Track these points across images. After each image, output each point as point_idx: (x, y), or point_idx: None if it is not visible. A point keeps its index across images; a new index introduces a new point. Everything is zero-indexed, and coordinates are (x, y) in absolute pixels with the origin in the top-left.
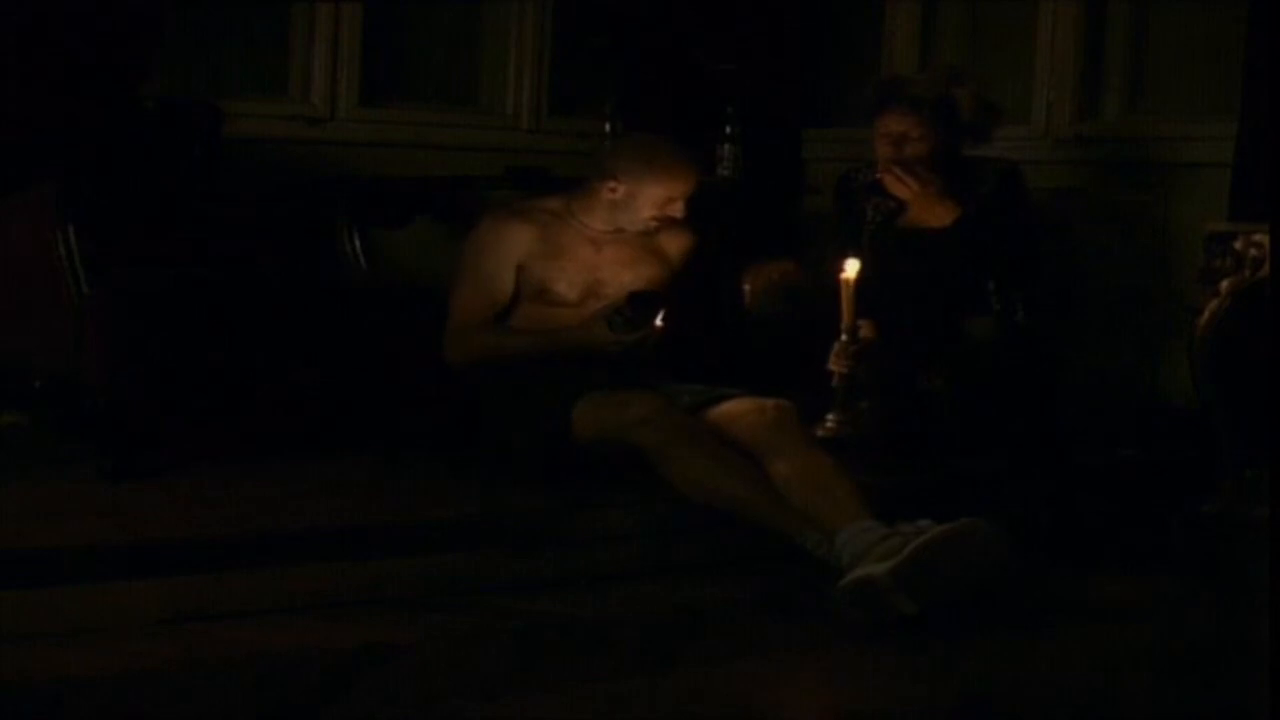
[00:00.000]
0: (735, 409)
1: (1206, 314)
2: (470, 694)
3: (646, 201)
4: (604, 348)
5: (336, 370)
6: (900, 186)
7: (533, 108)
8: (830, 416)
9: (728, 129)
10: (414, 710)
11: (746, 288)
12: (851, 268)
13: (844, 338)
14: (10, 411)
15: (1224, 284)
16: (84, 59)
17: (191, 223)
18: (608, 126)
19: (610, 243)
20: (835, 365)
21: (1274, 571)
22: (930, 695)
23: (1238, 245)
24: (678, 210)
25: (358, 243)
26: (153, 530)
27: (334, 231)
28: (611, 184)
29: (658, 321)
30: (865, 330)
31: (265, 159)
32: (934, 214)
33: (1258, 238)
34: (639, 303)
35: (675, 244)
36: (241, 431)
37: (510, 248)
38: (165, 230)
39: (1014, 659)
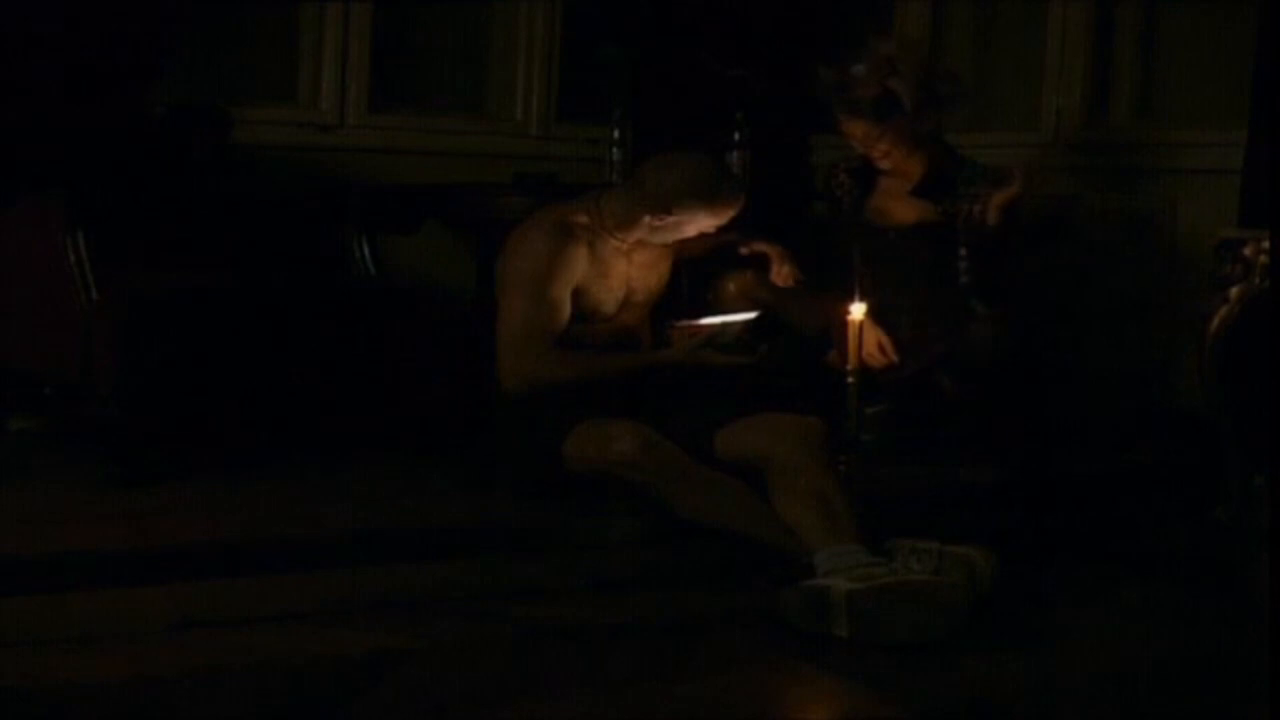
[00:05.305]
0: (770, 419)
1: (1216, 320)
2: (471, 701)
3: (693, 228)
4: (712, 369)
5: (344, 376)
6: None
7: (541, 114)
8: (843, 458)
9: (736, 135)
10: (419, 717)
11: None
12: (858, 310)
13: (850, 380)
14: (20, 417)
15: (1233, 291)
16: (92, 65)
17: (200, 228)
18: (616, 133)
19: (635, 249)
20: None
21: (1274, 576)
22: (932, 700)
23: (1247, 252)
24: (714, 230)
25: (366, 249)
26: (161, 536)
27: (343, 237)
28: (662, 214)
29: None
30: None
31: (274, 165)
32: (905, 208)
33: (1267, 244)
34: (759, 327)
35: None
36: (249, 437)
37: (573, 271)
38: (174, 236)
39: (1018, 663)
